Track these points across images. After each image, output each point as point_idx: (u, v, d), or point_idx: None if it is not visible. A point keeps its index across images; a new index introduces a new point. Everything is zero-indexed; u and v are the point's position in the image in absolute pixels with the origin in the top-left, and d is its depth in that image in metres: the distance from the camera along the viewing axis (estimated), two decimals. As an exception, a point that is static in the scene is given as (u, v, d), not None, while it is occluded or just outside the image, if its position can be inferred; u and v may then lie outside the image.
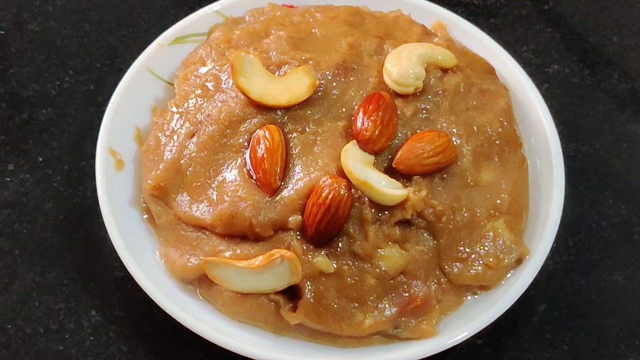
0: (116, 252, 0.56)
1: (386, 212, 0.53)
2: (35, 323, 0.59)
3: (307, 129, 0.56)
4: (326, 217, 0.51)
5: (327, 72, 0.58)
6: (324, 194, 0.51)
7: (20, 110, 0.70)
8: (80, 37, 0.75)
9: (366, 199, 0.53)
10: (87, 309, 0.60)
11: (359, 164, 0.53)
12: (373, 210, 0.53)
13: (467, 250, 0.55)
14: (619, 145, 0.71)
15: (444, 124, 0.57)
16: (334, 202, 0.51)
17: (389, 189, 0.53)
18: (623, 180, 0.69)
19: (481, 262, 0.55)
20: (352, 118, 0.56)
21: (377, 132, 0.54)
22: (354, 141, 0.54)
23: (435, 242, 0.55)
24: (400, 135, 0.56)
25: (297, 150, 0.55)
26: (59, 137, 0.68)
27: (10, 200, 0.65)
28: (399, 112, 0.56)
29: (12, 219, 0.64)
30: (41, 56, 0.73)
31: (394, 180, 0.54)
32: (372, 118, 0.54)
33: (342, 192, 0.51)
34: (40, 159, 0.67)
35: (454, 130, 0.57)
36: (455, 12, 0.69)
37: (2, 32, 0.75)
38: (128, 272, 0.55)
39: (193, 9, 0.68)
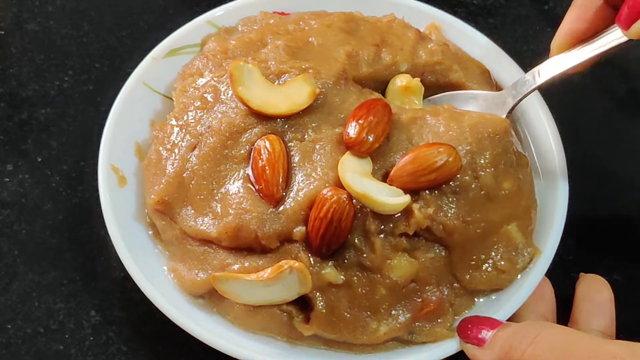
0: (116, 253, 0.56)
1: (390, 224, 0.53)
2: (35, 323, 0.59)
3: (306, 137, 0.55)
4: (329, 230, 0.51)
5: (327, 81, 0.57)
6: (324, 208, 0.51)
7: (19, 110, 0.70)
8: (79, 37, 0.75)
9: (369, 210, 0.52)
10: (87, 309, 0.60)
11: (357, 176, 0.52)
12: (376, 222, 0.52)
13: (482, 256, 0.55)
14: (619, 145, 0.71)
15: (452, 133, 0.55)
16: (335, 215, 0.51)
17: (389, 198, 0.52)
18: (623, 180, 0.69)
19: (495, 266, 0.55)
20: None
21: (363, 134, 0.53)
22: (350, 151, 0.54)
23: (446, 252, 0.55)
24: (398, 139, 0.55)
25: (297, 159, 0.55)
26: (59, 137, 0.68)
27: (9, 201, 0.65)
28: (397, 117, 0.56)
29: (12, 220, 0.64)
30: (41, 56, 0.73)
31: (393, 188, 0.53)
32: (360, 122, 0.53)
33: (342, 205, 0.51)
34: (40, 159, 0.67)
35: (466, 145, 0.55)
36: (455, 12, 0.69)
37: (2, 32, 0.75)
38: (127, 273, 0.55)
39: (192, 9, 0.68)
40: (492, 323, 0.51)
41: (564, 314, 0.58)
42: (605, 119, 0.72)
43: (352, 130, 0.53)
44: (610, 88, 0.74)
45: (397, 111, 0.57)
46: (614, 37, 0.55)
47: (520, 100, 0.59)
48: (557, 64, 0.57)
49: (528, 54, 0.76)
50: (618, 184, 0.69)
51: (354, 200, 0.52)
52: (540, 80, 0.58)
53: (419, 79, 0.61)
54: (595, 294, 0.57)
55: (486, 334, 0.50)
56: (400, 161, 0.54)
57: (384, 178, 0.54)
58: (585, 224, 0.66)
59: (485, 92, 0.61)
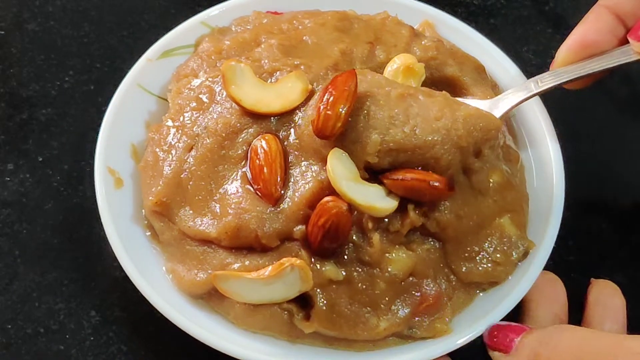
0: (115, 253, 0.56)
1: (385, 220, 0.53)
2: (35, 323, 0.59)
3: (292, 133, 0.55)
4: (327, 237, 0.51)
5: (318, 74, 0.57)
6: (323, 219, 0.51)
7: (20, 110, 0.70)
8: (80, 37, 0.75)
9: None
10: (87, 309, 0.60)
11: (352, 184, 0.51)
12: (373, 221, 0.52)
13: (475, 248, 0.56)
14: (619, 146, 0.71)
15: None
16: (333, 225, 0.51)
17: (384, 203, 0.52)
18: (623, 181, 0.69)
19: (490, 259, 0.56)
20: None
21: (320, 121, 0.51)
22: (335, 151, 0.52)
23: (441, 244, 0.55)
24: (380, 118, 0.53)
25: (292, 157, 0.55)
26: (59, 137, 0.68)
27: (10, 200, 0.65)
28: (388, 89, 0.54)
29: (12, 219, 0.64)
30: (41, 56, 0.73)
31: (382, 188, 0.53)
32: (320, 105, 0.51)
33: (341, 217, 0.51)
34: (40, 159, 0.67)
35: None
36: (455, 12, 0.69)
37: (2, 32, 0.75)
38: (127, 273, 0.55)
39: (193, 9, 0.68)
40: (517, 329, 0.52)
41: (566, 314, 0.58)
42: (606, 121, 0.72)
43: (315, 117, 0.52)
44: (611, 90, 0.74)
45: (385, 84, 0.55)
46: (619, 56, 0.55)
47: (516, 105, 0.59)
48: (559, 75, 0.58)
49: (528, 54, 0.76)
50: (618, 185, 0.69)
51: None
52: (537, 90, 0.59)
53: (423, 65, 0.60)
54: (608, 299, 0.57)
55: (512, 340, 0.51)
56: (391, 176, 0.52)
57: (366, 168, 0.53)
58: (586, 225, 0.66)
59: (478, 100, 0.61)
